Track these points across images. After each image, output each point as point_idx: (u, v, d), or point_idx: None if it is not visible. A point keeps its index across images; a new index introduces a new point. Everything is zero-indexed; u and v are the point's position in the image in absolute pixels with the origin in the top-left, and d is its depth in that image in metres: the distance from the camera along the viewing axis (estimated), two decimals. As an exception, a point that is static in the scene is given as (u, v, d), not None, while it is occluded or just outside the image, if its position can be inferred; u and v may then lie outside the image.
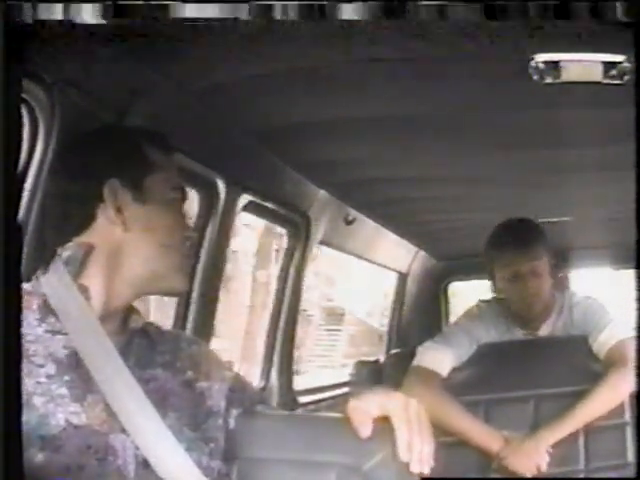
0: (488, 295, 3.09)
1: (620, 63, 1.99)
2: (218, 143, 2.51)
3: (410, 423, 1.49)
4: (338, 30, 1.76)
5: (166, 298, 2.48)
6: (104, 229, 1.58)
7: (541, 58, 2.01)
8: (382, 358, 4.42)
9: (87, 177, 1.58)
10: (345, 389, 4.36)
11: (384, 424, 1.51)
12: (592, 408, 2.77)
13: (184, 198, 1.69)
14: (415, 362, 2.86)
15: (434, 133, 2.72)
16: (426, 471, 1.50)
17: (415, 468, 1.48)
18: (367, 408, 1.52)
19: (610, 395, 2.78)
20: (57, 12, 1.43)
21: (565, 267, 4.50)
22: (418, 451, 1.49)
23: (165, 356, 1.63)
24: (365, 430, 1.50)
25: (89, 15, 1.43)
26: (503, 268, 2.89)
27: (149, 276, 1.60)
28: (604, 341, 2.85)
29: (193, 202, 2.65)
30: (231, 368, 1.71)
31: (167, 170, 1.65)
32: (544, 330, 2.97)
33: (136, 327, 1.62)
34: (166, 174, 1.64)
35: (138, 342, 1.60)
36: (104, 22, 1.45)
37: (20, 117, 1.46)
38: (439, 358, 2.84)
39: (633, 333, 2.82)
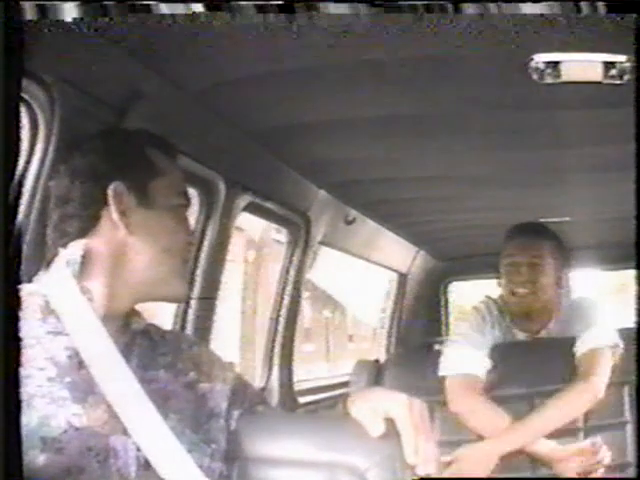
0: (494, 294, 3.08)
1: (620, 63, 1.99)
2: (218, 143, 2.51)
3: (416, 426, 1.49)
4: (337, 30, 1.76)
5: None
6: (107, 232, 1.57)
7: (541, 58, 2.01)
8: (382, 358, 4.42)
9: (91, 179, 1.57)
10: (345, 389, 4.36)
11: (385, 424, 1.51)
12: (547, 420, 2.72)
13: (188, 204, 1.68)
14: (451, 371, 2.80)
15: (434, 133, 2.72)
16: (432, 471, 1.49)
17: (421, 471, 1.48)
18: (373, 408, 1.52)
19: (566, 410, 2.72)
20: (57, 12, 1.43)
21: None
22: (424, 453, 1.48)
23: (166, 357, 1.62)
24: (378, 429, 1.50)
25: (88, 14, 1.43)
26: (504, 258, 2.92)
27: (150, 281, 1.59)
28: (579, 344, 2.82)
29: (193, 203, 2.64)
30: (232, 369, 1.71)
31: (171, 175, 1.64)
32: (543, 335, 2.95)
33: (138, 328, 1.61)
34: (170, 179, 1.63)
35: (140, 343, 1.60)
36: (105, 20, 1.45)
37: (20, 117, 1.45)
38: (472, 362, 2.79)
39: (613, 341, 2.82)
